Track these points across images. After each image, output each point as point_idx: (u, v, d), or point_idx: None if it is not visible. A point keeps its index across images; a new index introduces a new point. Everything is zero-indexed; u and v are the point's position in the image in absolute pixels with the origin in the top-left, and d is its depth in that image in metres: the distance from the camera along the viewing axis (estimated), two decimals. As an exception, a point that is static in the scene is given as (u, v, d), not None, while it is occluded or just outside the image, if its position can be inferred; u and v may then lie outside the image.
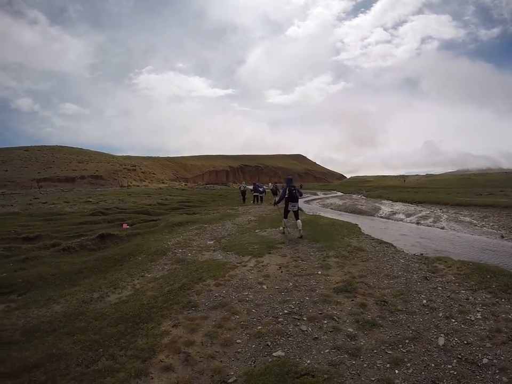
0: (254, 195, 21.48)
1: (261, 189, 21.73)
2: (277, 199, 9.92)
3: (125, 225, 11.07)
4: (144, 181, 64.89)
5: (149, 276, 5.78)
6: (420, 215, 16.46)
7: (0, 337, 3.56)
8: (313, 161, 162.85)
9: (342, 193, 44.71)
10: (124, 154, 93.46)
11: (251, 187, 23.24)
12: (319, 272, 5.67)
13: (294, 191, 8.76)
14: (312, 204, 26.66)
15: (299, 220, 8.90)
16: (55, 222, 12.57)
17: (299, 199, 9.06)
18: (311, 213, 17.17)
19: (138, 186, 55.09)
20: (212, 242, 8.54)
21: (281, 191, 9.71)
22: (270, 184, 29.17)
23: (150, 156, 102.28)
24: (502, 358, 2.99)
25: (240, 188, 23.48)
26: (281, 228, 9.55)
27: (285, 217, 9.20)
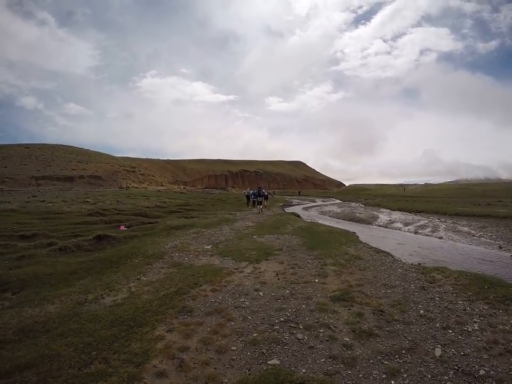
0: (253, 200, 21.89)
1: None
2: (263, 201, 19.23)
3: (122, 227, 11.02)
4: (143, 183, 64.85)
5: (145, 279, 5.74)
6: (418, 224, 16.48)
7: (-8, 337, 3.51)
8: (313, 168, 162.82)
9: (340, 201, 44.77)
10: (124, 156, 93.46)
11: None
12: (316, 280, 5.64)
13: (260, 192, 18.84)
14: (311, 211, 26.67)
15: (260, 205, 18.47)
16: (52, 221, 12.50)
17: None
18: (309, 220, 17.15)
19: (137, 188, 55.02)
20: (209, 247, 8.50)
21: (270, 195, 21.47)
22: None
23: (149, 158, 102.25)
24: (499, 369, 2.97)
25: (245, 193, 28.04)
26: (259, 209, 18.44)
27: (259, 204, 18.53)
